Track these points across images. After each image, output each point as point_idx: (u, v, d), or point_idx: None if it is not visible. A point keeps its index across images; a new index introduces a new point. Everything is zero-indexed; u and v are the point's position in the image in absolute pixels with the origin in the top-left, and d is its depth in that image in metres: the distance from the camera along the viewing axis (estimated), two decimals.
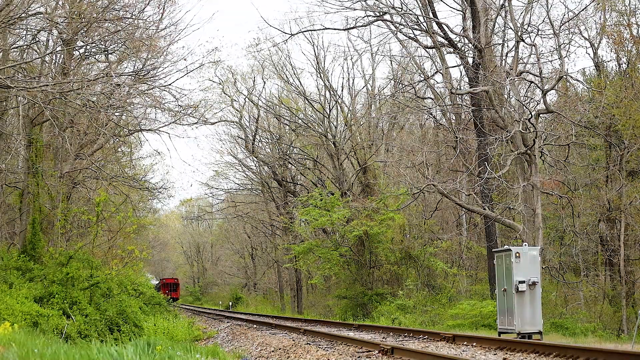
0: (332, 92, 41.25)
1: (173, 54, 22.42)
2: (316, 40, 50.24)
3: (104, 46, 21.64)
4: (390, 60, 40.85)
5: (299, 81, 47.57)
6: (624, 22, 29.36)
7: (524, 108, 26.03)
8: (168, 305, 34.12)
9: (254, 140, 47.41)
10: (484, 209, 26.53)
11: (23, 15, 16.72)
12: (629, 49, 29.61)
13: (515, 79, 26.24)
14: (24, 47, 21.79)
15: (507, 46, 29.68)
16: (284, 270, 50.54)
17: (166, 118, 24.74)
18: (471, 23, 28.23)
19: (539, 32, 27.31)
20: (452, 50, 28.65)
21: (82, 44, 20.79)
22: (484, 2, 26.74)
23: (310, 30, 35.47)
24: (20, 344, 8.81)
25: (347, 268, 36.05)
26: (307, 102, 42.56)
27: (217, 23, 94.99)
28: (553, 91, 27.95)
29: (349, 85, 51.93)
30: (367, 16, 28.53)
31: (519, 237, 24.36)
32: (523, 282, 17.16)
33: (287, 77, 42.28)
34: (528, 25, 27.06)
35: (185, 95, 36.87)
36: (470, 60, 28.10)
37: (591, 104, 27.35)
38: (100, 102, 18.24)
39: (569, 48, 31.00)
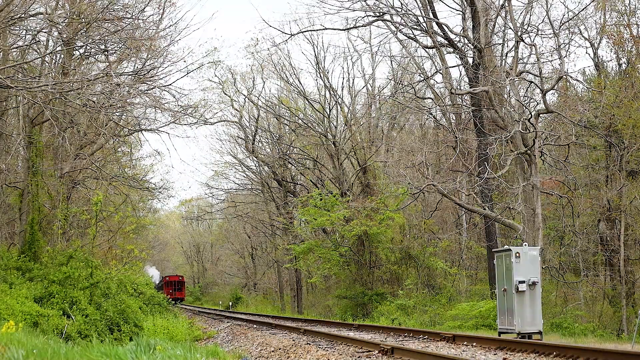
0: (332, 92, 41.25)
1: (173, 54, 22.39)
2: (316, 40, 50.26)
3: (104, 46, 21.64)
4: (390, 61, 40.91)
5: (299, 81, 47.55)
6: (624, 22, 29.36)
7: (524, 108, 26.03)
8: (169, 305, 33.93)
9: (254, 140, 47.42)
10: (484, 209, 26.52)
11: (23, 15, 16.71)
12: (629, 49, 29.60)
13: (515, 79, 26.23)
14: (24, 47, 21.77)
15: (507, 46, 29.70)
16: (284, 270, 50.55)
17: (166, 118, 24.77)
18: (471, 23, 28.23)
19: (539, 32, 27.32)
20: (452, 50, 28.65)
21: (82, 44, 20.78)
22: (483, 2, 26.73)
23: (310, 31, 35.38)
24: (20, 343, 8.81)
25: (347, 268, 36.05)
26: (307, 102, 42.56)
27: (216, 23, 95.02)
28: (553, 91, 27.96)
29: (349, 85, 51.92)
30: (367, 16, 28.53)
31: (519, 237, 24.36)
32: (523, 282, 17.16)
33: (287, 77, 42.31)
34: (528, 25, 27.07)
35: (185, 95, 36.93)
36: (470, 60, 28.10)
37: (591, 104, 27.34)
38: (100, 102, 18.24)
39: (569, 48, 31.03)
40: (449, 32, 28.25)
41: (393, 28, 28.71)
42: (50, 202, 23.88)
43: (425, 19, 27.64)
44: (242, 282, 70.89)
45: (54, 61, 24.52)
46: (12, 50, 21.68)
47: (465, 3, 28.80)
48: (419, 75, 35.16)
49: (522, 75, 27.55)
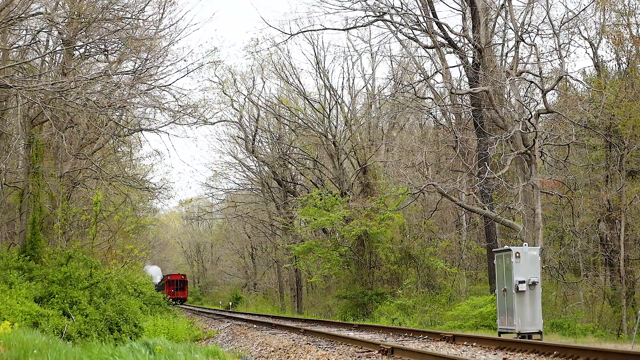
0: (332, 92, 41.25)
1: (173, 54, 22.34)
2: (316, 40, 50.25)
3: (103, 46, 21.62)
4: (390, 60, 40.90)
5: (299, 81, 47.54)
6: (624, 22, 29.35)
7: (524, 108, 26.03)
8: (168, 305, 33.87)
9: (253, 140, 47.43)
10: (484, 209, 26.51)
11: (23, 15, 16.71)
12: (629, 49, 29.61)
13: (515, 79, 26.22)
14: (24, 47, 21.77)
15: (507, 46, 29.70)
16: (284, 270, 50.55)
17: (166, 118, 24.74)
18: (471, 23, 28.23)
19: (539, 32, 27.33)
20: (452, 50, 28.64)
21: (82, 43, 20.77)
22: (484, 2, 26.73)
23: (310, 31, 35.35)
24: (20, 343, 8.81)
25: (347, 268, 36.05)
26: (307, 102, 42.56)
27: (216, 23, 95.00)
28: (553, 91, 27.96)
29: (349, 85, 51.89)
30: (367, 16, 28.53)
31: (519, 237, 24.35)
32: (523, 282, 17.16)
33: (286, 77, 42.30)
34: (528, 25, 27.07)
35: (185, 95, 36.81)
36: (470, 60, 28.09)
37: (591, 104, 27.33)
38: (99, 102, 18.22)
39: (568, 48, 31.04)
40: (449, 32, 28.26)
41: (393, 28, 28.72)
42: (51, 202, 23.87)
43: (425, 18, 27.64)
44: (242, 282, 70.87)
45: (54, 61, 24.49)
46: (12, 50, 21.67)
47: (465, 3, 28.81)
48: (419, 75, 35.15)
49: (522, 75, 27.54)
